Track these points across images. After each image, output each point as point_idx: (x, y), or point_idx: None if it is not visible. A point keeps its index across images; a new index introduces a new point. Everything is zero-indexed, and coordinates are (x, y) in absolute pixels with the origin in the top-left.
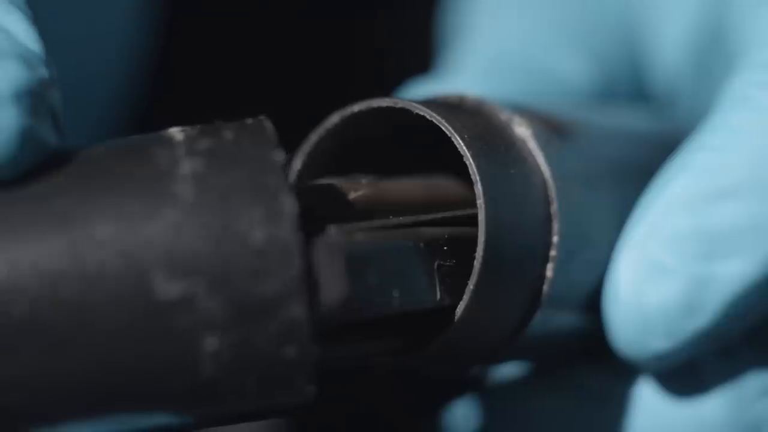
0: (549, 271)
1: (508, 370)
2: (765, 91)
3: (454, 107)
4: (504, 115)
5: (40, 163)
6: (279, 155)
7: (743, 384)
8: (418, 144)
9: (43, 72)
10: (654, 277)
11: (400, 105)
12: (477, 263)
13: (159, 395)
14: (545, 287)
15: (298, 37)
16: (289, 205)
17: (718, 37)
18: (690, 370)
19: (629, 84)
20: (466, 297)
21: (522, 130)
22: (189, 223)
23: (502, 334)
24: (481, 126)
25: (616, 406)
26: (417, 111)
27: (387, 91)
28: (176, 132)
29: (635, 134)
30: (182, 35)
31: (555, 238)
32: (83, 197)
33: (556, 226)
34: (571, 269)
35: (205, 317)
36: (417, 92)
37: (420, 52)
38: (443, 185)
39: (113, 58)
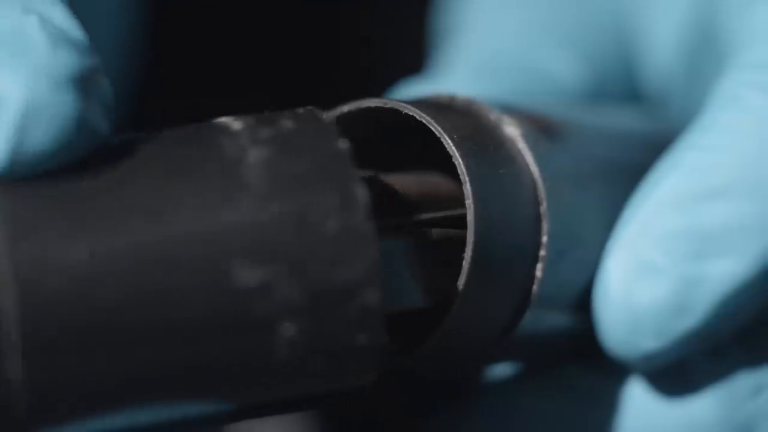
0: (538, 271)
1: (499, 370)
2: (754, 91)
3: (444, 107)
4: (493, 115)
5: (93, 151)
6: (344, 144)
7: (733, 384)
8: (407, 144)
9: (92, 60)
10: (644, 276)
11: (389, 105)
12: (466, 263)
13: (232, 380)
14: (535, 287)
15: (283, 27)
16: (361, 193)
17: (709, 37)
18: (680, 370)
19: (621, 84)
20: (455, 297)
21: (511, 130)
22: (265, 211)
23: (492, 334)
24: (470, 126)
25: (606, 405)
26: (406, 111)
27: (372, 82)
28: (230, 121)
29: (627, 134)
30: (167, 30)
31: (544, 238)
32: (157, 184)
33: (545, 225)
34: (561, 269)
35: (284, 304)
36: (408, 92)
37: (407, 42)
38: (433, 184)
39: (106, 58)
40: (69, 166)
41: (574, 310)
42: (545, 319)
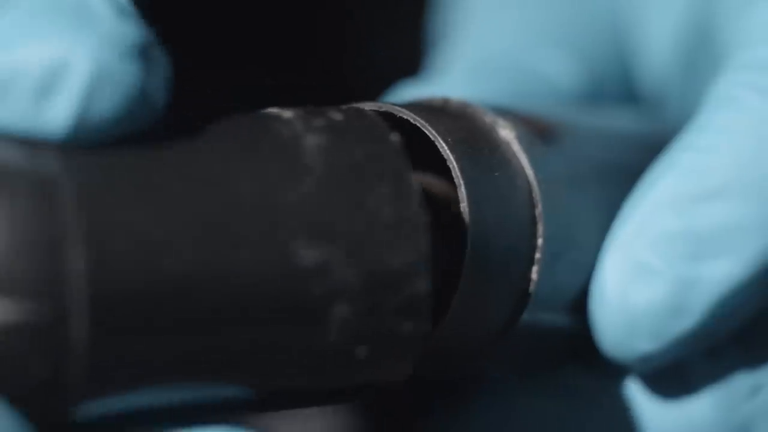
0: (534, 273)
1: (497, 371)
2: (749, 92)
3: (438, 110)
4: (488, 118)
5: (152, 125)
6: (395, 136)
7: (731, 384)
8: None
9: (150, 33)
10: (640, 278)
11: (384, 108)
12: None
13: (285, 360)
14: (531, 289)
15: (278, 28)
16: (415, 184)
17: (706, 38)
18: (677, 371)
19: (618, 85)
20: (451, 299)
21: (506, 133)
22: (324, 192)
23: (489, 336)
24: (465, 129)
25: (603, 406)
26: (401, 114)
27: (368, 85)
28: (280, 111)
29: (623, 135)
30: (158, 9)
31: (539, 241)
32: (218, 160)
33: (540, 228)
34: (557, 271)
35: (340, 285)
36: (405, 95)
37: (403, 44)
38: (427, 186)
39: None
40: (131, 137)
41: (570, 312)
42: (542, 320)
